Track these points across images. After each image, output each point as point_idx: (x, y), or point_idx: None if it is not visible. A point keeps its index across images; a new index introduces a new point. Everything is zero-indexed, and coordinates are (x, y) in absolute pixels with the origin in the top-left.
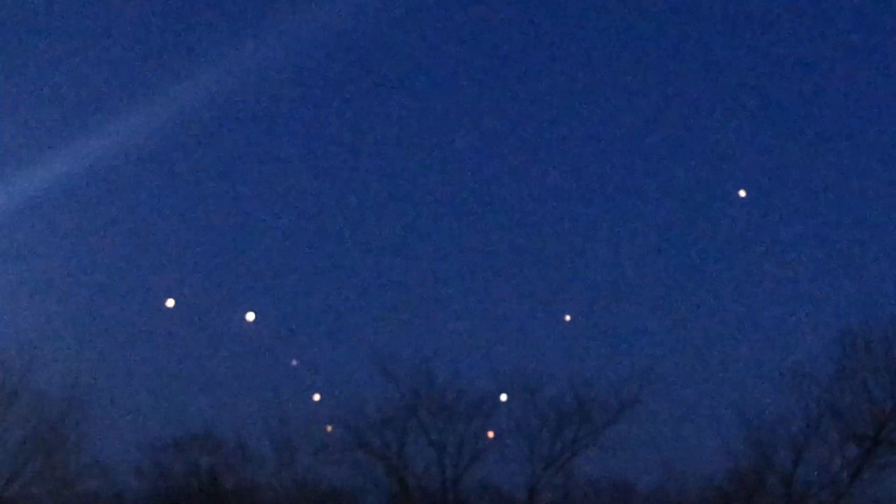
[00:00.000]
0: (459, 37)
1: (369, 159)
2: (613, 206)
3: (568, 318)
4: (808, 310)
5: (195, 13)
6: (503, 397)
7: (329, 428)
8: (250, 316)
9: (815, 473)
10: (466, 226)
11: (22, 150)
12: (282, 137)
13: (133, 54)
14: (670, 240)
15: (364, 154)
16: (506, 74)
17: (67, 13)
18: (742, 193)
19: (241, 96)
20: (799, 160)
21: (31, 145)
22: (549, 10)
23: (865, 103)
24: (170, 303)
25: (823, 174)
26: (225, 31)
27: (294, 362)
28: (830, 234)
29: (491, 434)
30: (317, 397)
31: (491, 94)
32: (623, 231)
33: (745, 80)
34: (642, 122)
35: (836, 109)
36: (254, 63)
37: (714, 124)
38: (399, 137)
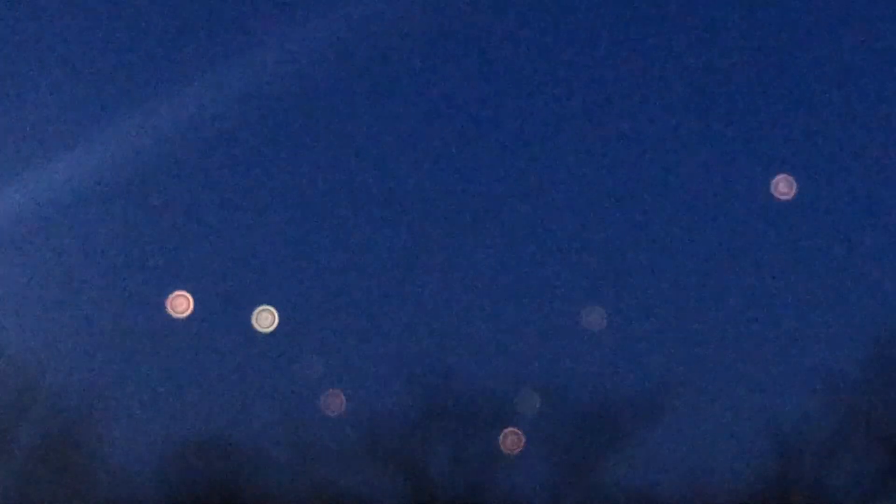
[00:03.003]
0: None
1: (388, 163)
2: (636, 209)
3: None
4: (837, 315)
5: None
6: (525, 404)
7: (347, 434)
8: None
9: (843, 481)
10: (488, 229)
11: (32, 154)
12: (299, 139)
13: (141, 57)
14: (696, 243)
15: (383, 157)
16: (534, 71)
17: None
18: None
19: (257, 98)
20: (828, 161)
21: (41, 149)
22: (565, 7)
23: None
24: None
25: (852, 177)
26: (237, 34)
27: (312, 366)
28: (861, 237)
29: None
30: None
31: (519, 96)
32: (646, 236)
33: (782, 80)
34: (663, 124)
35: (867, 114)
36: (266, 65)
37: (741, 127)
38: (422, 141)
